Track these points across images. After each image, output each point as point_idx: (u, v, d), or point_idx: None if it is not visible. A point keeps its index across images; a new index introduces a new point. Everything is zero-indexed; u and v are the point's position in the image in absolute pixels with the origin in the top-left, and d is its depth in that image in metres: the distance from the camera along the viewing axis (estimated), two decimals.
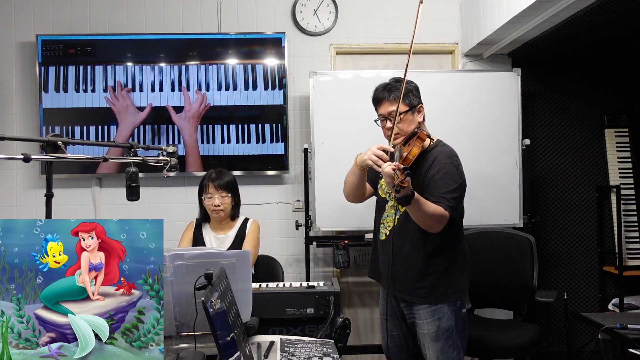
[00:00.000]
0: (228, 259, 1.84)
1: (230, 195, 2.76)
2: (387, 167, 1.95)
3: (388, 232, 2.29)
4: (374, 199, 2.49)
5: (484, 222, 3.31)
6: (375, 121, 2.34)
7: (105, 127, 3.56)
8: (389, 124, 2.24)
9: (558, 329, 3.74)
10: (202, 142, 3.59)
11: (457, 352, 2.25)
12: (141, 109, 3.57)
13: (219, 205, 2.73)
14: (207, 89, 3.59)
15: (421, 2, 2.13)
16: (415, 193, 2.01)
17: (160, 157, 2.13)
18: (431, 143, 2.25)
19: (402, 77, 2.29)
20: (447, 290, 2.21)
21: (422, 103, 2.30)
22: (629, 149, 3.78)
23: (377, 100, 2.30)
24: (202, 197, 2.79)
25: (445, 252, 2.22)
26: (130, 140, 3.54)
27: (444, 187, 2.13)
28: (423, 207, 2.05)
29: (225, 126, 3.61)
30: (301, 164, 3.62)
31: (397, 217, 2.25)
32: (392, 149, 2.14)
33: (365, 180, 2.41)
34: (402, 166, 1.94)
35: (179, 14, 3.68)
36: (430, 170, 2.17)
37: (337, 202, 3.38)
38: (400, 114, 2.19)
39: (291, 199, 3.71)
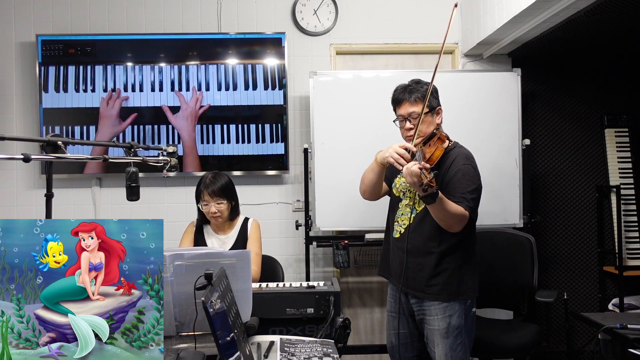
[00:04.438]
0: (228, 259, 1.84)
1: (226, 201, 2.74)
2: (414, 166, 1.98)
3: (403, 230, 2.31)
4: (385, 198, 2.52)
5: (484, 222, 3.30)
6: (393, 121, 2.35)
7: None
8: (408, 125, 2.27)
9: (558, 329, 3.74)
10: (202, 142, 3.59)
11: (465, 351, 2.27)
12: (138, 109, 3.56)
13: (216, 212, 2.72)
14: (207, 89, 3.59)
15: (455, 6, 2.20)
16: (440, 192, 2.05)
17: (160, 157, 2.13)
18: (449, 145, 2.28)
19: (419, 78, 2.33)
20: (459, 288, 2.24)
21: (440, 105, 2.33)
22: (629, 149, 3.78)
23: (397, 101, 2.32)
24: (199, 205, 2.77)
25: (458, 251, 2.25)
26: (130, 140, 3.54)
27: (463, 187, 2.17)
28: (446, 206, 2.09)
29: (225, 126, 3.61)
30: (301, 164, 3.62)
31: (412, 215, 2.27)
32: (415, 149, 2.16)
33: (383, 178, 2.43)
34: (428, 166, 1.98)
35: (179, 14, 3.68)
36: (450, 171, 2.21)
37: (337, 202, 3.39)
38: (420, 115, 2.22)
39: (291, 199, 3.71)
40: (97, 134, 3.55)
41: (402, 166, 2.11)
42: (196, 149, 3.59)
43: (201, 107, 3.58)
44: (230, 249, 2.72)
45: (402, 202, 2.35)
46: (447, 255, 2.23)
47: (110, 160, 1.95)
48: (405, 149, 2.16)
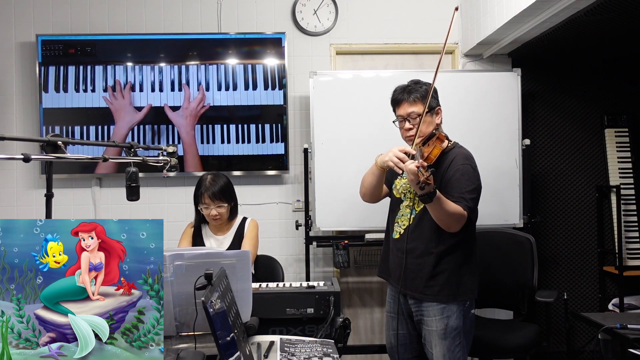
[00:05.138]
0: (228, 259, 1.84)
1: (226, 203, 2.74)
2: (411, 165, 2.00)
3: (402, 231, 2.31)
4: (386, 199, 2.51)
5: (484, 222, 3.29)
6: (393, 122, 2.34)
7: (105, 127, 3.56)
8: (407, 125, 2.27)
9: (558, 329, 3.74)
10: (202, 142, 3.59)
11: (463, 352, 2.26)
12: (140, 108, 3.57)
13: (216, 215, 2.72)
14: (207, 89, 3.60)
15: (456, 9, 2.23)
16: (437, 191, 2.05)
17: (160, 157, 2.13)
18: (449, 144, 2.28)
19: (419, 79, 2.33)
20: (458, 289, 2.23)
21: (440, 105, 2.33)
22: (629, 149, 3.78)
23: (396, 102, 2.32)
24: (199, 207, 2.76)
25: (458, 252, 2.24)
26: (130, 139, 3.54)
27: (462, 187, 2.16)
28: (444, 205, 2.09)
29: (225, 126, 3.61)
30: (301, 164, 3.62)
31: (412, 216, 2.27)
32: (414, 152, 2.16)
33: (383, 180, 2.43)
34: (426, 164, 1.99)
35: (179, 14, 3.68)
36: (449, 171, 2.21)
37: (337, 202, 3.39)
38: (419, 115, 2.22)
39: (291, 199, 3.71)
40: (115, 128, 3.55)
41: (401, 169, 2.12)
42: (196, 149, 3.59)
43: (203, 107, 3.58)
44: (227, 249, 2.72)
45: (402, 204, 2.35)
46: (446, 255, 2.23)
47: (110, 160, 1.95)
48: (405, 153, 2.15)
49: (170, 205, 3.66)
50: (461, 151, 2.27)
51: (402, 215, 2.33)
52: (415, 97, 2.25)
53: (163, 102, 3.58)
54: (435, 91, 2.31)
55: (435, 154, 2.17)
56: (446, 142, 2.25)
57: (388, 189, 2.48)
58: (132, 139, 3.56)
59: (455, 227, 2.15)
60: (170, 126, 3.59)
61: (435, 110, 2.29)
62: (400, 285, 2.30)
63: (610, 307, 3.64)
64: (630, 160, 3.77)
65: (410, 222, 2.28)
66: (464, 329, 2.25)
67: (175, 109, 3.58)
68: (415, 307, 2.30)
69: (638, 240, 3.70)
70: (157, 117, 3.58)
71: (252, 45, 3.63)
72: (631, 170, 3.76)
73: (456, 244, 2.23)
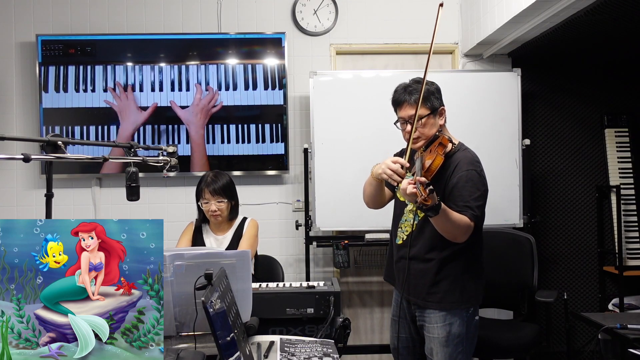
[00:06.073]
0: (228, 259, 1.84)
1: (226, 199, 2.74)
2: (409, 186, 1.89)
3: (405, 237, 2.25)
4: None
5: (484, 222, 3.31)
6: (394, 123, 2.24)
7: (106, 127, 3.56)
8: (409, 128, 2.14)
9: (558, 329, 3.74)
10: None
11: (466, 358, 2.23)
12: (144, 108, 3.57)
13: (216, 211, 2.72)
14: (207, 89, 3.59)
15: (441, 5, 2.11)
16: (442, 204, 1.94)
17: (160, 157, 2.13)
18: (453, 147, 2.18)
19: (420, 77, 2.19)
20: (461, 296, 2.17)
21: (443, 105, 2.21)
22: (629, 149, 3.78)
23: (397, 103, 2.21)
24: (200, 203, 2.77)
25: (461, 258, 2.17)
26: (135, 140, 3.54)
27: (467, 195, 2.07)
28: (449, 217, 2.00)
29: (225, 126, 3.61)
30: (301, 164, 3.62)
31: (415, 222, 2.20)
32: (408, 164, 2.07)
33: (384, 188, 2.36)
34: (425, 180, 1.86)
35: (179, 14, 3.68)
36: (453, 178, 2.11)
37: (337, 202, 3.39)
38: (421, 118, 2.11)
39: (291, 199, 3.71)
40: (119, 128, 3.56)
41: (397, 182, 2.03)
42: (204, 148, 3.58)
43: (214, 106, 3.58)
44: (226, 249, 2.72)
45: (406, 208, 2.28)
46: (450, 262, 2.16)
47: (110, 160, 1.95)
48: (400, 164, 2.06)
49: (170, 205, 3.66)
50: (465, 155, 2.16)
51: (406, 220, 2.27)
52: (416, 98, 2.12)
53: (163, 103, 3.57)
54: (437, 90, 2.21)
55: (437, 164, 2.04)
56: (450, 145, 2.14)
57: (391, 192, 2.41)
58: (137, 139, 3.56)
59: (462, 238, 2.06)
60: (171, 126, 3.59)
61: (438, 111, 2.18)
62: (403, 291, 2.26)
63: (610, 307, 3.64)
64: (630, 160, 3.77)
65: (413, 229, 2.21)
66: (466, 336, 2.19)
67: (181, 107, 3.57)
68: (418, 312, 2.26)
69: (638, 240, 3.70)
70: (158, 117, 3.57)
71: (252, 45, 3.63)
72: (631, 170, 3.76)
73: (460, 250, 2.15)
